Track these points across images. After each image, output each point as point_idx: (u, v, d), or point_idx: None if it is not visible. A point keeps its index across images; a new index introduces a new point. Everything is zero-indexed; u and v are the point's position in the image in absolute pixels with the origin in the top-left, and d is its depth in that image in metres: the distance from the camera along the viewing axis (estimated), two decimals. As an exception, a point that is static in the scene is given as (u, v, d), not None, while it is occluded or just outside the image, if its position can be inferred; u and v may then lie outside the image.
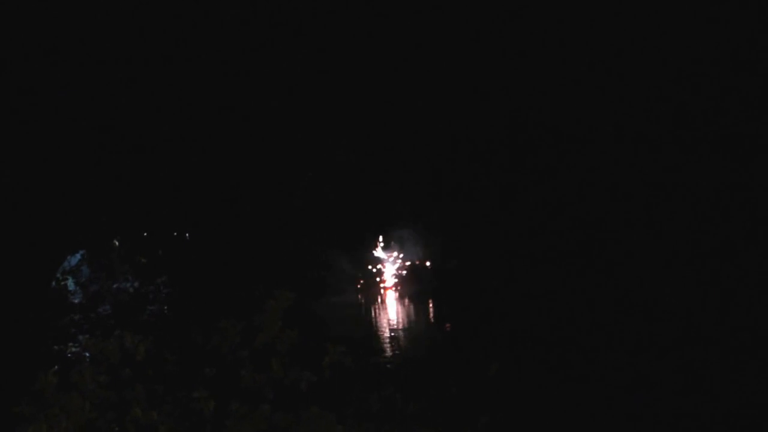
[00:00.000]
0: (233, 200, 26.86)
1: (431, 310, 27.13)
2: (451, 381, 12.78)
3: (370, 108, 27.51)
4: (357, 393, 5.66)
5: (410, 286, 31.58)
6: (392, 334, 22.48)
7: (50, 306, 22.85)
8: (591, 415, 12.33)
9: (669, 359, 15.60)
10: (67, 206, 22.74)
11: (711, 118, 23.80)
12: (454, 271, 29.04)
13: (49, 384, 5.01)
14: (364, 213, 30.29)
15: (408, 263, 32.05)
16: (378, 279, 32.17)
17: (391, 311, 28.30)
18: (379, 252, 32.06)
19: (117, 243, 26.49)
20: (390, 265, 32.27)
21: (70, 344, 20.36)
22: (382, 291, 31.95)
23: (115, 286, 25.92)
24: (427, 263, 31.41)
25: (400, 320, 25.97)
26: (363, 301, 29.15)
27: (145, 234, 26.98)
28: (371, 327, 24.76)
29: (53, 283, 23.95)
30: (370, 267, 31.96)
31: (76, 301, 24.84)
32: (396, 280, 32.26)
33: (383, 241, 31.92)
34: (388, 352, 19.22)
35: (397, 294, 31.54)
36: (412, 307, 28.93)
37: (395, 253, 31.99)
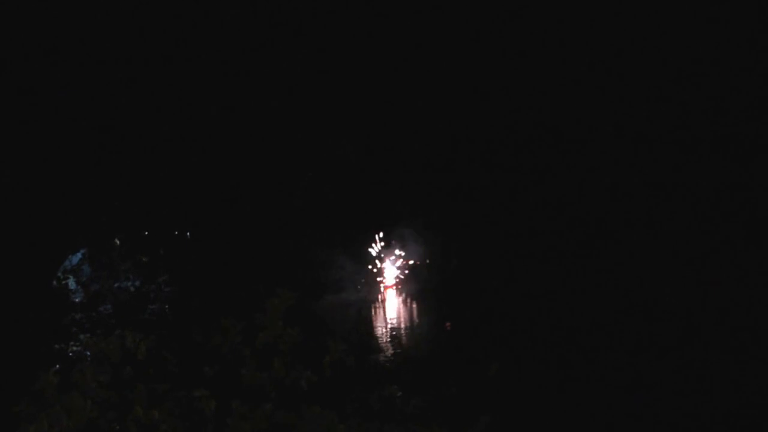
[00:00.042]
0: (234, 200, 26.87)
1: (432, 309, 27.13)
2: (452, 380, 12.79)
3: (370, 108, 27.52)
4: (358, 392, 5.67)
5: (411, 284, 31.56)
6: (393, 332, 22.48)
7: (51, 305, 22.87)
8: (591, 415, 12.33)
9: (669, 359, 15.60)
10: (67, 206, 22.75)
11: (711, 118, 23.80)
12: (454, 271, 29.05)
13: (50, 383, 5.01)
14: (364, 212, 30.31)
15: (409, 262, 32.05)
16: (378, 278, 32.17)
17: (392, 310, 28.31)
18: (379, 251, 32.06)
19: (118, 242, 26.52)
20: (390, 264, 32.26)
21: (71, 343, 20.37)
22: (382, 290, 31.94)
23: (116, 285, 25.94)
24: (428, 262, 31.41)
25: (401, 319, 25.97)
26: (363, 299, 29.14)
27: (146, 233, 27.01)
28: (372, 326, 24.76)
29: (54, 282, 23.97)
30: (370, 266, 31.95)
31: (77, 300, 24.86)
32: (396, 279, 32.26)
33: (384, 240, 31.92)
34: (389, 351, 19.22)
35: (398, 293, 31.55)
36: (412, 306, 28.94)
37: (396, 252, 31.99)
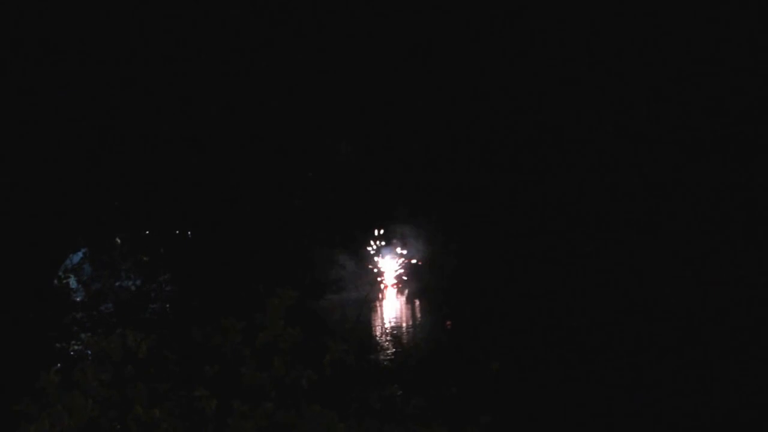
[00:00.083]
0: (234, 200, 26.88)
1: (432, 308, 27.14)
2: (452, 380, 12.79)
3: (370, 108, 27.53)
4: (358, 391, 5.67)
5: (411, 284, 31.58)
6: (393, 332, 22.49)
7: (52, 304, 22.86)
8: (591, 415, 12.34)
9: (669, 359, 15.61)
10: (68, 205, 22.76)
11: (711, 118, 23.81)
12: (454, 270, 29.05)
13: (51, 382, 5.02)
14: (365, 212, 30.33)
15: (409, 261, 32.05)
16: (379, 277, 32.18)
17: (392, 309, 28.31)
18: (380, 250, 32.07)
19: (119, 241, 26.52)
20: (391, 263, 32.26)
21: (73, 342, 20.36)
22: (382, 289, 31.95)
23: (117, 284, 25.94)
24: (428, 261, 31.41)
25: (401, 318, 25.98)
26: (364, 299, 29.13)
27: (147, 232, 27.02)
28: (372, 325, 24.77)
29: (55, 281, 23.98)
30: (370, 265, 31.96)
31: (78, 299, 24.85)
32: (397, 278, 32.26)
33: (384, 240, 31.92)
34: (389, 350, 19.23)
35: (398, 292, 31.55)
36: (412, 305, 28.95)
37: (398, 250, 31.98)
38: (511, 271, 27.02)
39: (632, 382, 13.96)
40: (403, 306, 28.77)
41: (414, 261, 31.80)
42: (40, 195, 21.65)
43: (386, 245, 31.89)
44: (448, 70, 26.69)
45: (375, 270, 32.01)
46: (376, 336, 22.18)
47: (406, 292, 30.96)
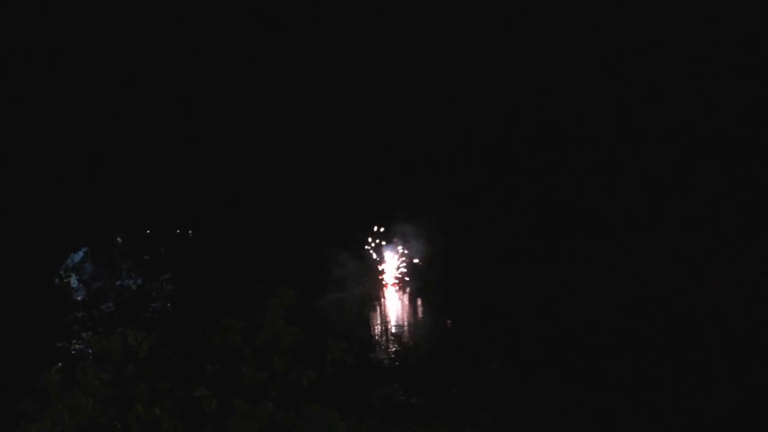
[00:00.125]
0: (234, 199, 26.90)
1: (432, 307, 27.14)
2: (452, 379, 12.79)
3: (370, 108, 27.55)
4: (359, 390, 5.68)
5: (412, 283, 31.57)
6: (393, 330, 22.49)
7: (53, 303, 22.89)
8: (591, 415, 12.35)
9: (669, 359, 15.61)
10: (69, 204, 22.78)
11: (711, 119, 23.81)
12: (455, 270, 29.03)
13: (52, 381, 5.03)
14: (365, 211, 30.33)
15: (410, 260, 32.03)
16: (379, 276, 32.18)
17: (393, 308, 28.30)
18: (380, 249, 32.05)
19: (120, 240, 26.56)
20: (392, 262, 32.25)
21: (74, 341, 20.38)
22: (383, 287, 31.94)
23: (118, 283, 25.97)
24: (429, 261, 31.39)
25: (402, 317, 25.99)
26: (365, 298, 29.12)
27: (148, 232, 27.05)
28: (372, 324, 24.77)
29: (56, 280, 24.00)
30: (371, 264, 31.95)
31: (80, 298, 24.88)
32: (397, 277, 32.26)
33: (385, 239, 31.90)
34: (390, 349, 19.23)
35: (399, 291, 31.54)
36: (413, 304, 28.95)
37: (399, 249, 31.98)
38: (511, 270, 27.03)
39: (632, 382, 13.95)
40: (404, 305, 28.77)
41: (415, 261, 31.79)
42: (41, 195, 21.67)
43: (387, 244, 31.86)
44: (449, 70, 26.71)
45: (376, 269, 32.00)
46: (377, 335, 22.18)
47: (407, 291, 30.95)
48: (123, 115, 23.14)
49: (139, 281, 26.51)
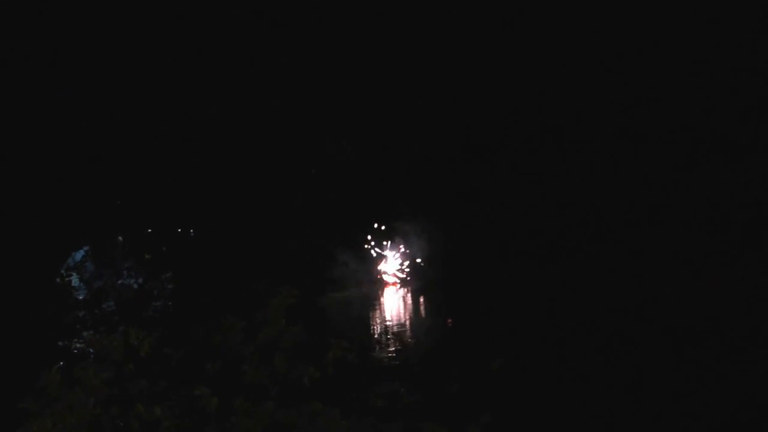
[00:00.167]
0: (235, 199, 26.91)
1: (433, 306, 27.15)
2: (453, 378, 12.79)
3: (370, 108, 27.56)
4: (360, 389, 5.68)
5: (413, 281, 31.56)
6: (395, 329, 22.50)
7: (54, 302, 22.90)
8: (592, 415, 12.35)
9: (669, 359, 15.61)
10: (70, 204, 22.79)
11: (711, 119, 23.82)
12: (455, 269, 29.03)
13: (53, 380, 5.04)
14: (366, 210, 30.33)
15: (412, 259, 32.01)
16: (380, 275, 32.17)
17: (394, 307, 28.31)
18: (381, 248, 32.04)
19: (121, 239, 26.58)
20: (393, 261, 32.23)
21: (75, 340, 20.39)
22: (384, 286, 31.91)
23: (119, 282, 25.98)
24: (430, 260, 31.37)
25: (403, 316, 26.00)
26: (365, 296, 29.12)
27: (149, 231, 27.07)
28: (373, 322, 24.78)
29: (57, 279, 24.01)
30: (372, 263, 31.95)
31: (81, 297, 24.88)
32: (398, 276, 32.25)
33: (386, 238, 31.88)
34: (391, 348, 19.24)
35: (400, 289, 31.53)
36: (414, 302, 28.95)
37: (400, 248, 31.96)
38: (511, 270, 27.02)
39: (632, 382, 13.95)
40: (404, 304, 28.77)
41: (417, 260, 31.76)
42: (42, 194, 21.68)
43: (388, 243, 31.85)
44: (448, 70, 26.72)
45: (377, 268, 31.99)
46: (378, 334, 22.20)
47: (408, 290, 30.95)
48: (123, 114, 23.15)
49: (140, 280, 26.52)
